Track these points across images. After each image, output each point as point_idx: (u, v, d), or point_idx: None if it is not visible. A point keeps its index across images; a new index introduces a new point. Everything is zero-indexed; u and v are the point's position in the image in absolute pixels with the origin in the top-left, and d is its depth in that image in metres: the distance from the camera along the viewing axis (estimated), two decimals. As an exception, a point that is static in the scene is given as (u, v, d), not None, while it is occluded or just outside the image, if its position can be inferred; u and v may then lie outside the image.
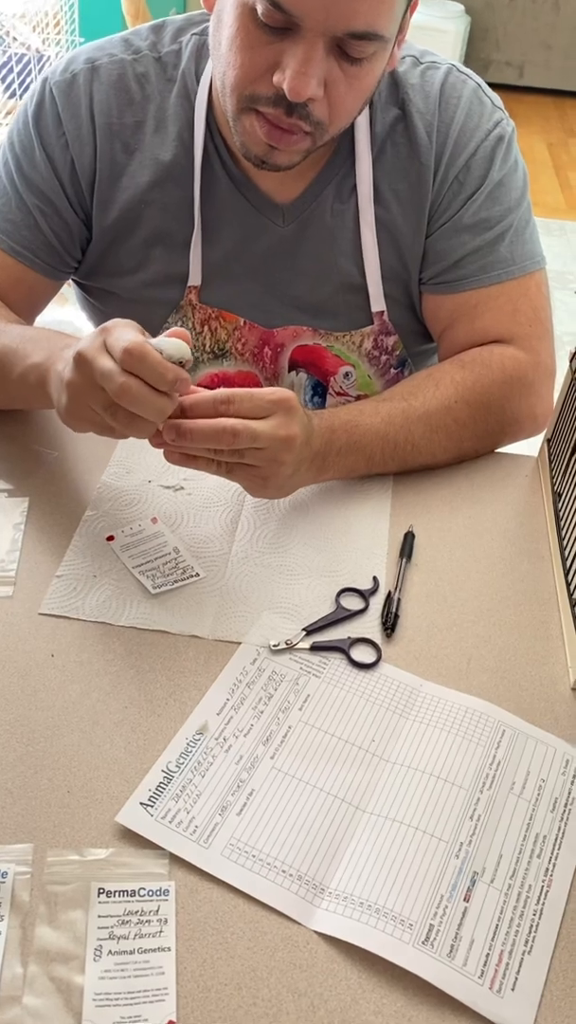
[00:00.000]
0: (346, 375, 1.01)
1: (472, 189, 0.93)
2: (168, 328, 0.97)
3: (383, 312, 0.98)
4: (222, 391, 0.73)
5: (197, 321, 0.98)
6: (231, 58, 0.79)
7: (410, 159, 0.92)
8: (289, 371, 1.03)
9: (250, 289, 0.97)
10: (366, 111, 0.90)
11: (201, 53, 0.92)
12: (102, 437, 0.91)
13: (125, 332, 0.69)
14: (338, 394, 1.04)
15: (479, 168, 0.92)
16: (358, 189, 0.92)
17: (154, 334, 0.72)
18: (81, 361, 0.70)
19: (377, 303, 0.97)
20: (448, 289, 0.96)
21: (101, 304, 1.03)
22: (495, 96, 0.96)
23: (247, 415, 0.73)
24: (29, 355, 0.82)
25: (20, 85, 2.10)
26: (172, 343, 0.70)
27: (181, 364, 0.70)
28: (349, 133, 0.90)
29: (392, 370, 1.03)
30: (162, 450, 0.74)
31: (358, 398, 1.02)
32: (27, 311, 0.98)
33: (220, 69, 0.82)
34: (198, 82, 0.91)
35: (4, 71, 2.13)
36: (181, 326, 0.96)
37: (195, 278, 0.95)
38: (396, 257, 0.96)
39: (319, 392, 1.05)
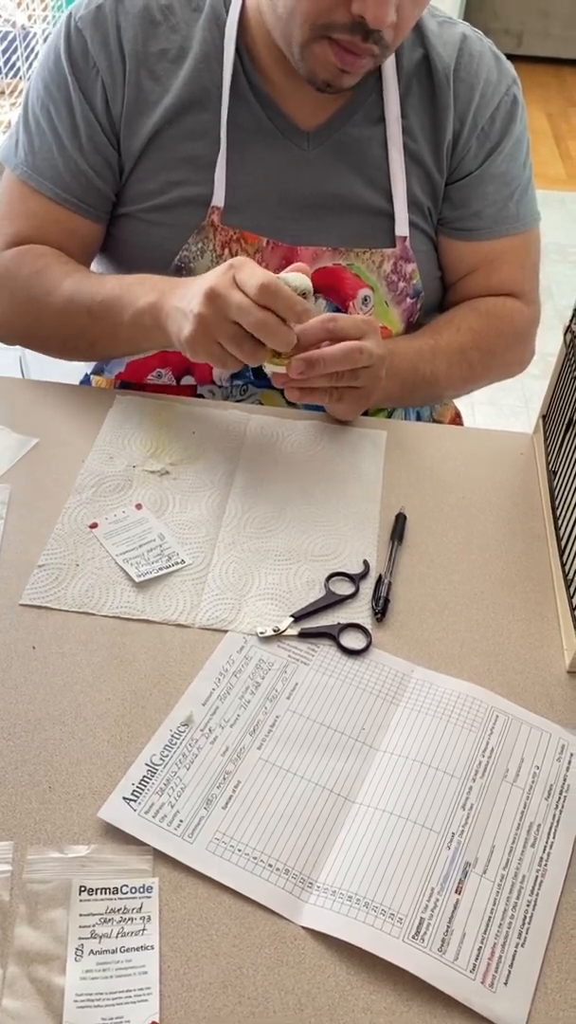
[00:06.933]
0: (364, 300, 1.01)
1: (496, 141, 0.99)
2: (187, 248, 0.97)
3: (406, 238, 1.00)
4: (325, 314, 0.80)
5: (218, 243, 0.97)
6: None
7: (431, 98, 0.97)
8: None
9: (273, 212, 0.98)
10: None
11: None
12: (89, 420, 0.91)
13: (255, 269, 0.76)
14: None
15: (502, 122, 0.99)
16: (387, 117, 0.96)
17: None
18: (214, 296, 0.76)
19: (401, 228, 0.99)
20: (467, 236, 1.02)
21: (122, 234, 1.01)
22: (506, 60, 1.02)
23: (348, 332, 0.81)
24: (137, 297, 0.87)
25: (4, 63, 2.06)
26: (295, 276, 0.77)
27: (303, 296, 0.77)
28: (376, 68, 0.95)
29: (408, 299, 1.03)
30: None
31: None
32: (84, 261, 1.00)
33: (288, 2, 0.84)
34: (227, 9, 0.93)
35: (-11, 49, 2.09)
36: (201, 248, 0.97)
37: (219, 199, 0.96)
38: (420, 186, 0.99)
39: None
